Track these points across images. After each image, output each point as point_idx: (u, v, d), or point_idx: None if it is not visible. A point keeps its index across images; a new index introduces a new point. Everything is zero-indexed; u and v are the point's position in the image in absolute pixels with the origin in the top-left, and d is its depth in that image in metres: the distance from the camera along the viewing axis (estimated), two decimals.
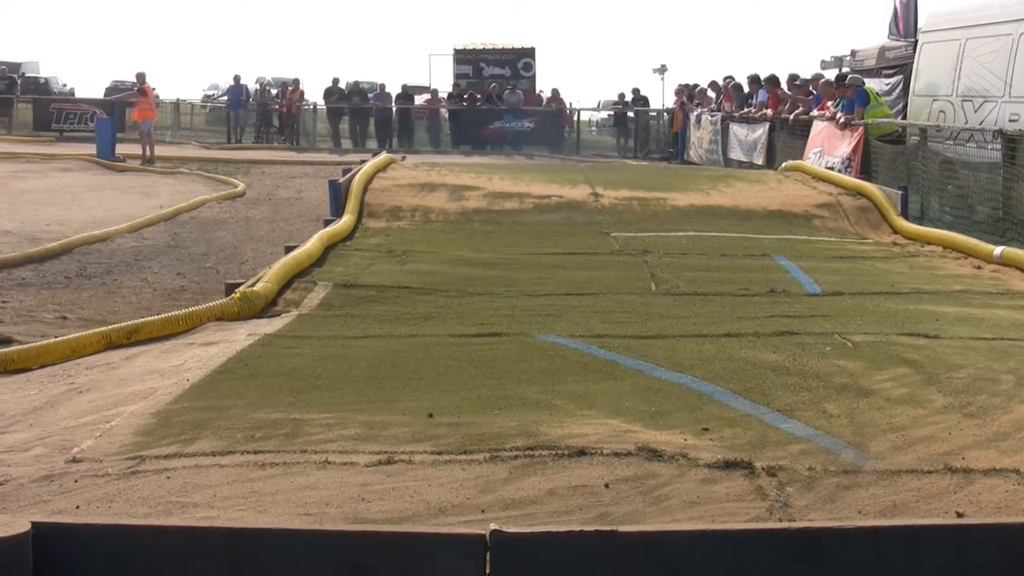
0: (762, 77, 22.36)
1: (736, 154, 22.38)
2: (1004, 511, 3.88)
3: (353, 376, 5.66)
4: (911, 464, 4.33)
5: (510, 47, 36.69)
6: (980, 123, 13.20)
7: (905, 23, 18.29)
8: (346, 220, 11.45)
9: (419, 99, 34.38)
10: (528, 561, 2.87)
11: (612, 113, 35.71)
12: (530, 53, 36.27)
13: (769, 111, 21.02)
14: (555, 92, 34.16)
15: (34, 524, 2.81)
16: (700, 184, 14.43)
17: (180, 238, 13.19)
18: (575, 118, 34.74)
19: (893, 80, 18.23)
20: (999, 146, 11.76)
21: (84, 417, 5.09)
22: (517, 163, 24.82)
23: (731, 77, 25.79)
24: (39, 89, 38.73)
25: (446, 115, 33.55)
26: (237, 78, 34.36)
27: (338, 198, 12.35)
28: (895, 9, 18.79)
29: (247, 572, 2.90)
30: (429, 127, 32.98)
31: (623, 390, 5.37)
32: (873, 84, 17.45)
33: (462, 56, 36.57)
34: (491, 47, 36.87)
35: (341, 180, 12.94)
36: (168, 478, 4.11)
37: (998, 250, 9.86)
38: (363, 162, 15.18)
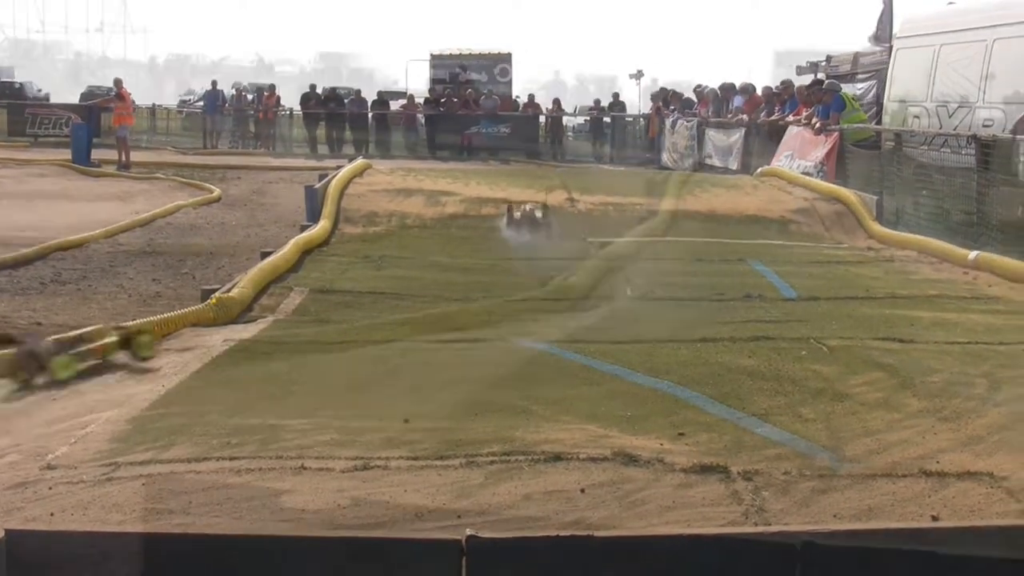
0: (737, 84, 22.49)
1: (712, 159, 22.42)
2: (978, 514, 3.91)
3: (329, 382, 5.65)
4: (886, 468, 4.35)
5: (487, 52, 36.71)
6: (954, 128, 13.28)
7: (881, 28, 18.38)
8: (322, 226, 11.43)
9: (395, 104, 34.29)
10: (504, 566, 2.87)
11: (588, 119, 35.69)
12: (506, 59, 36.32)
13: (745, 116, 21.09)
14: (552, 102, 33.83)
15: (7, 532, 2.79)
16: (676, 189, 14.46)
17: (156, 244, 13.09)
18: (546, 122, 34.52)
19: (867, 85, 18.33)
20: (973, 151, 11.83)
21: (59, 424, 5.05)
22: (494, 168, 24.80)
23: (701, 86, 25.91)
24: (13, 94, 38.40)
25: (423, 120, 33.49)
26: (214, 83, 34.26)
27: (314, 203, 12.34)
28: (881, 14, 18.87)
29: None
30: (406, 132, 32.89)
31: (599, 395, 5.38)
32: (848, 89, 17.53)
33: (439, 61, 36.56)
34: (468, 52, 36.87)
35: (317, 185, 12.92)
36: (143, 485, 4.09)
37: (973, 254, 9.94)
38: (339, 168, 15.17)
